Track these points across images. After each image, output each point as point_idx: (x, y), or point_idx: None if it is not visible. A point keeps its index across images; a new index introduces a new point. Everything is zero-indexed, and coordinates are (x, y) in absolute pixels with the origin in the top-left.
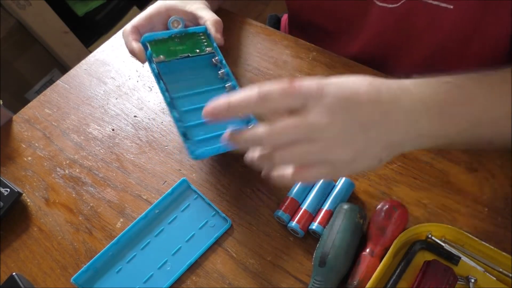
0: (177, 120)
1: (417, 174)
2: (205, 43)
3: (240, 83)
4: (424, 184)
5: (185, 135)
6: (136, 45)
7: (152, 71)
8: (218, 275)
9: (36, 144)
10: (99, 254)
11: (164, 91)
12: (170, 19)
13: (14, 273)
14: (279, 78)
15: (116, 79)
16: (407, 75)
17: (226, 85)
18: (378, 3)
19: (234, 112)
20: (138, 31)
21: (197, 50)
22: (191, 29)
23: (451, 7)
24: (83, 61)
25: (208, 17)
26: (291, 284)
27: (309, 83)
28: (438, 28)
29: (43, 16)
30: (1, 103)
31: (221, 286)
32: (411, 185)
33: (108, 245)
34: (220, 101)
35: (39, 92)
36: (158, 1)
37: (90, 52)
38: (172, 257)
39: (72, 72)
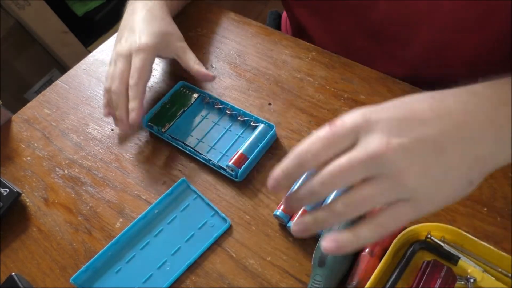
0: (208, 161)
1: None
2: (190, 93)
3: (240, 85)
4: None
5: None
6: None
7: (167, 139)
8: (218, 275)
9: (35, 144)
10: (98, 254)
11: (184, 146)
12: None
13: (13, 273)
14: (279, 78)
15: None
16: (405, 71)
17: (226, 111)
18: None
19: (292, 178)
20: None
21: (188, 102)
22: (172, 90)
23: None
24: (82, 61)
25: (192, 61)
26: (291, 284)
27: (352, 116)
28: (438, 16)
29: (43, 16)
30: (1, 103)
31: (221, 286)
32: None
33: (107, 245)
34: (275, 173)
35: (38, 92)
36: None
37: (90, 52)
38: (171, 257)
39: (71, 72)
